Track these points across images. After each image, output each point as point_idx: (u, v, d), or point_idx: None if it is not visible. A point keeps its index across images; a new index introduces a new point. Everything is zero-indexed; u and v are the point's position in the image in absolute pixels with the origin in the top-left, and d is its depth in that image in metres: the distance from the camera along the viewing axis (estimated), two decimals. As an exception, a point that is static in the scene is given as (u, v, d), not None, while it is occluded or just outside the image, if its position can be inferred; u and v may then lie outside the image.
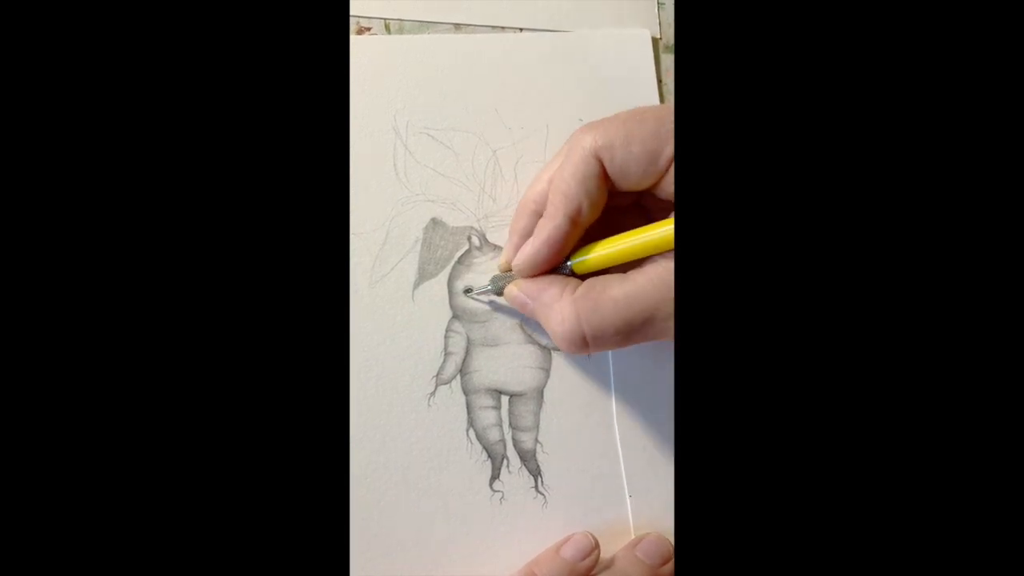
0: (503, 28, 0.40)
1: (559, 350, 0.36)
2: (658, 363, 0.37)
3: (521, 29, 0.40)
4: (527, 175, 0.37)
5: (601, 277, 0.32)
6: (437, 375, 0.35)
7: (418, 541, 0.34)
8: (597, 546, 0.33)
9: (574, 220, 0.32)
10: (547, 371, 0.36)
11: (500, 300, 0.36)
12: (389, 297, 0.36)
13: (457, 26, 0.40)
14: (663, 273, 0.30)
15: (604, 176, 0.32)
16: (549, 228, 0.32)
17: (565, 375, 0.36)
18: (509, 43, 0.40)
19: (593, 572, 0.33)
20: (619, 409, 0.36)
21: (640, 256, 0.31)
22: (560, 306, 0.32)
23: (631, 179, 0.31)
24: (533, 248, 0.33)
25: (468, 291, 0.36)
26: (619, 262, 0.32)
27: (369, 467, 0.34)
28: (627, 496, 0.35)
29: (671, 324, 0.30)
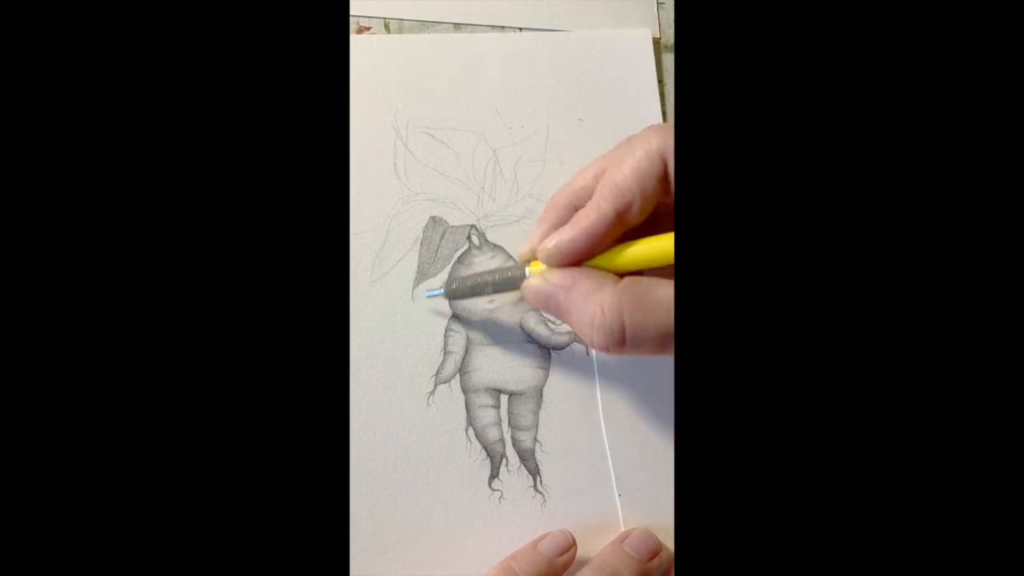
0: (503, 28, 0.40)
1: (559, 349, 0.36)
2: (643, 361, 0.37)
3: (521, 29, 0.40)
4: (527, 175, 0.37)
5: (645, 276, 0.30)
6: (436, 374, 0.35)
7: (417, 540, 0.34)
8: (574, 543, 0.34)
9: (621, 215, 0.30)
10: (546, 370, 0.36)
11: (517, 212, 0.35)
12: (389, 296, 0.36)
13: (457, 26, 0.40)
14: None
15: (664, 180, 0.30)
16: (593, 217, 0.30)
17: (564, 374, 0.36)
18: (509, 43, 0.40)
19: (573, 569, 0.33)
20: (606, 410, 0.36)
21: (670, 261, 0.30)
22: (600, 297, 0.30)
23: None
24: (570, 235, 0.31)
25: (422, 294, 0.36)
26: (650, 264, 0.31)
27: (368, 465, 0.34)
28: (616, 495, 0.35)
29: None
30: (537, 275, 0.32)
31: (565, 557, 0.33)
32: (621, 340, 0.30)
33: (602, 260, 0.31)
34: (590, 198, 0.31)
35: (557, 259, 0.31)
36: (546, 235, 0.32)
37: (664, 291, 0.29)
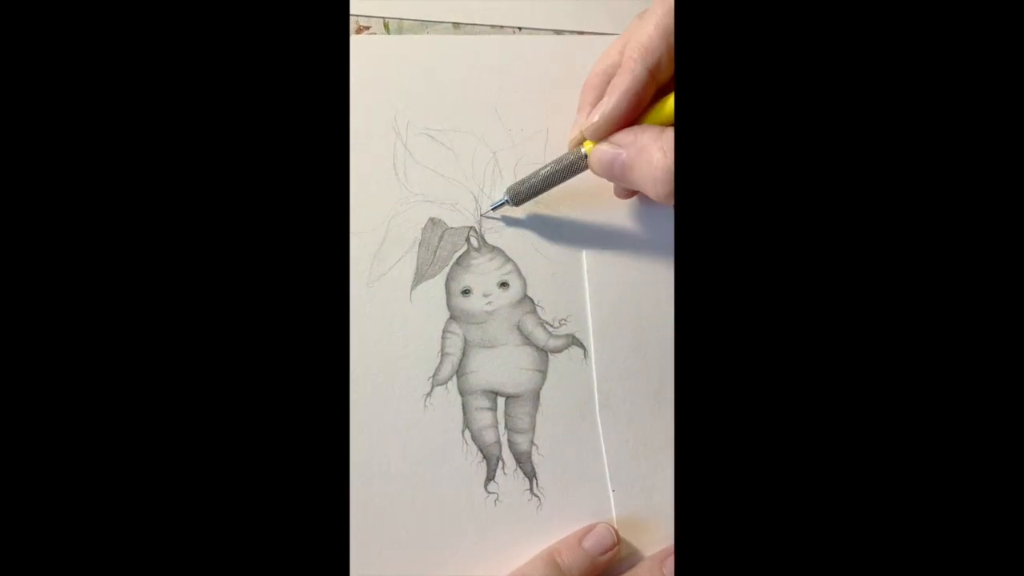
0: (502, 27, 0.40)
1: (556, 352, 0.36)
2: (642, 357, 0.37)
3: (520, 28, 0.40)
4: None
5: None
6: (434, 376, 0.35)
7: (413, 542, 0.34)
8: (618, 541, 0.34)
9: (653, 72, 0.31)
10: (543, 373, 0.36)
11: (516, 213, 0.36)
12: (387, 297, 0.35)
13: (456, 25, 0.40)
14: None
15: None
16: (628, 79, 0.31)
17: (561, 378, 0.36)
18: (509, 44, 0.40)
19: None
20: (603, 413, 0.36)
21: None
22: (662, 141, 0.30)
23: None
24: (611, 102, 0.31)
25: (486, 213, 0.36)
26: None
27: (365, 467, 0.34)
28: (610, 492, 0.35)
29: None
30: (602, 143, 0.32)
31: (607, 556, 0.33)
32: None
33: (648, 120, 0.32)
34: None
35: (605, 129, 0.32)
36: (588, 115, 0.32)
37: None
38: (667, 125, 0.32)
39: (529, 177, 0.35)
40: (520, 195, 0.35)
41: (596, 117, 0.32)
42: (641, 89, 0.31)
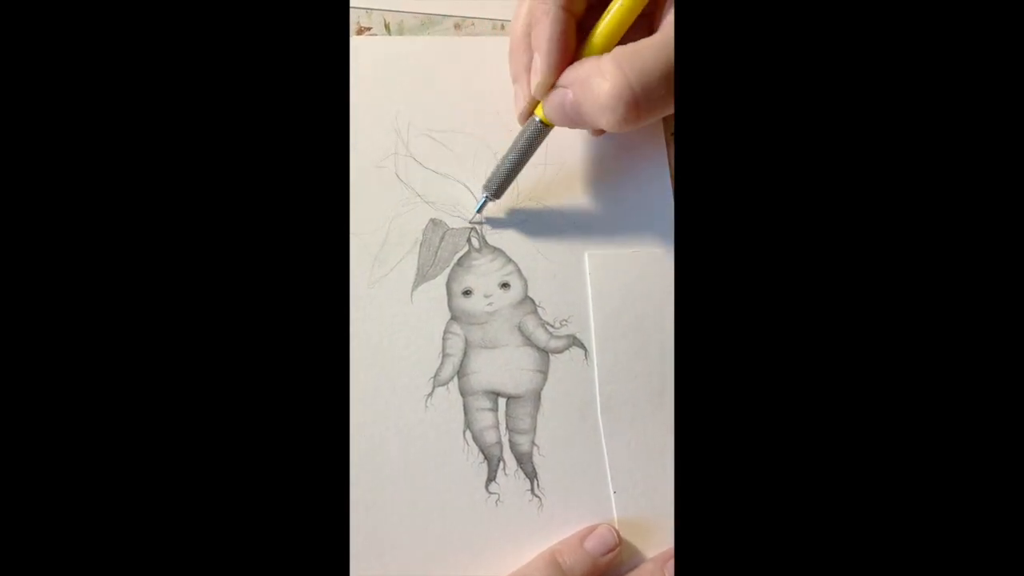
0: (502, 24, 0.40)
1: (557, 353, 0.36)
2: (644, 359, 0.36)
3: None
4: (527, 177, 0.37)
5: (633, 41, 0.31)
6: (435, 376, 0.35)
7: (414, 542, 0.34)
8: (620, 542, 0.34)
9: (567, 8, 0.31)
10: (544, 374, 0.36)
11: (501, 211, 0.36)
12: (388, 298, 0.36)
13: (458, 26, 0.40)
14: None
15: None
16: (548, 26, 0.31)
17: (562, 378, 0.36)
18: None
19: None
20: (604, 415, 0.36)
21: (639, 9, 0.31)
22: (601, 66, 0.30)
23: None
24: (542, 55, 0.32)
25: (473, 219, 0.37)
26: (624, 25, 0.32)
27: (366, 468, 0.34)
28: (611, 493, 0.35)
29: None
30: (546, 97, 0.33)
31: (609, 557, 0.33)
32: (632, 96, 0.30)
33: (586, 53, 0.32)
34: None
35: (549, 81, 0.32)
36: (529, 83, 0.33)
37: (647, 42, 0.30)
38: (604, 52, 0.32)
39: (498, 167, 0.35)
40: (498, 188, 0.35)
41: (538, 78, 0.32)
42: (564, 29, 0.31)
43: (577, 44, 0.32)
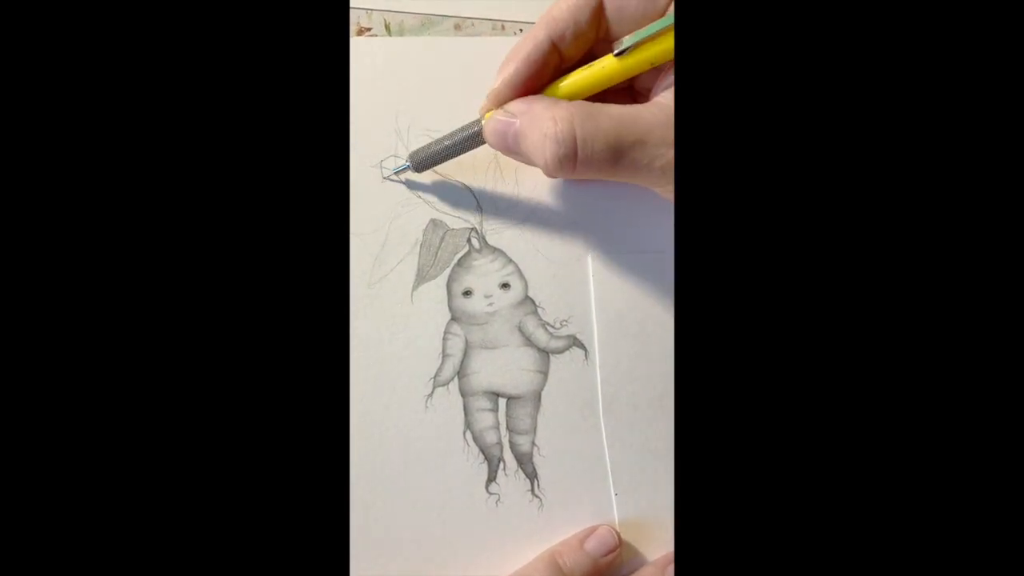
0: (502, 25, 0.40)
1: (558, 353, 0.36)
2: (646, 361, 0.36)
3: (522, 29, 0.40)
4: (528, 178, 0.37)
5: (598, 102, 0.31)
6: (435, 377, 0.35)
7: (414, 543, 0.34)
8: (620, 543, 0.34)
9: (556, 43, 0.31)
10: (544, 374, 0.36)
11: (417, 177, 0.36)
12: (388, 298, 0.36)
13: (458, 26, 0.40)
14: (663, 103, 0.30)
15: (600, 10, 0.31)
16: (529, 46, 0.31)
17: (563, 379, 0.36)
18: (510, 45, 0.39)
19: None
20: (606, 415, 0.36)
21: (619, 79, 0.31)
22: (555, 111, 0.30)
23: (627, 18, 0.31)
24: (510, 68, 0.32)
25: (387, 176, 0.36)
26: (594, 90, 0.32)
27: (366, 468, 0.34)
28: (612, 495, 0.35)
29: (661, 153, 0.29)
30: (497, 112, 0.32)
31: (609, 558, 0.33)
32: (573, 151, 0.30)
33: (547, 92, 0.32)
34: None
35: (504, 94, 0.32)
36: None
37: (614, 108, 0.30)
38: (566, 100, 0.32)
39: (431, 144, 0.35)
40: (422, 163, 0.35)
41: (497, 83, 0.32)
42: (541, 57, 0.31)
43: (548, 80, 0.32)
